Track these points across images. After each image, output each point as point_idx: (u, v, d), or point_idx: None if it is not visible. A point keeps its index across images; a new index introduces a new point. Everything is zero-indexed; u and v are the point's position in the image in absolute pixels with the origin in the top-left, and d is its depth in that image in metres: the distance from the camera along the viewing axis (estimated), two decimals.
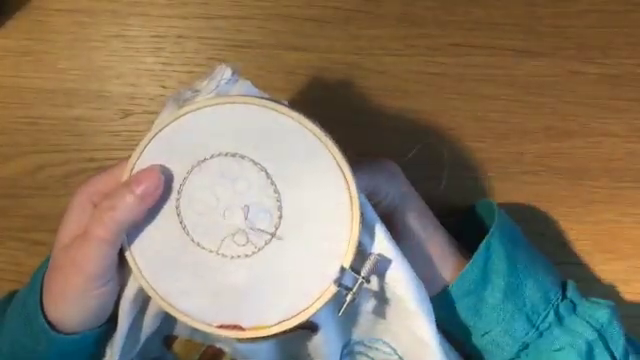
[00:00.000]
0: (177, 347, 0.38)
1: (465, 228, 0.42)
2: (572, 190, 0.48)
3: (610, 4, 0.48)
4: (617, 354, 0.36)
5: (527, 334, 0.36)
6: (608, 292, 0.47)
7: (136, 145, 0.32)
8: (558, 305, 0.37)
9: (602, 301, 0.38)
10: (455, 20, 0.48)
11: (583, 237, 0.47)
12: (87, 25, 0.48)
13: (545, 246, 0.47)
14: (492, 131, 0.48)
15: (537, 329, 0.36)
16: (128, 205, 0.31)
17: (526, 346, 0.37)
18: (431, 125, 0.48)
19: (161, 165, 0.32)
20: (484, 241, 0.37)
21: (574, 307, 0.38)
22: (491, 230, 0.38)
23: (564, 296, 0.38)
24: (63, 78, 0.48)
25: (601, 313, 0.37)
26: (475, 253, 0.37)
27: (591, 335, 0.36)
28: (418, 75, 0.48)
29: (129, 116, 0.48)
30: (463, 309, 0.37)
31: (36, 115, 0.48)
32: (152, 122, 0.47)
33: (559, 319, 0.37)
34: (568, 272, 0.47)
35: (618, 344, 0.37)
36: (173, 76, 0.48)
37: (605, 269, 0.47)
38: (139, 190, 0.31)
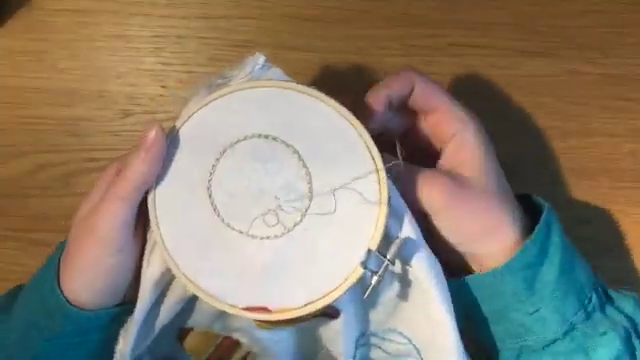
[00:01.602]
0: (192, 339, 0.37)
1: None
2: (572, 190, 0.48)
3: (610, 4, 0.48)
4: None
5: (576, 314, 0.36)
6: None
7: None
8: (598, 289, 0.37)
9: (626, 292, 0.39)
10: (455, 20, 0.48)
11: (583, 237, 0.47)
12: (87, 25, 0.48)
13: None
14: (492, 131, 0.48)
15: (585, 310, 0.36)
16: (135, 160, 0.32)
17: (573, 327, 0.36)
18: None
19: (193, 145, 0.32)
20: (544, 217, 0.37)
21: (607, 295, 0.38)
22: (547, 206, 0.38)
23: (599, 283, 0.38)
24: (63, 78, 0.48)
25: (627, 303, 0.37)
26: (537, 226, 0.36)
27: (625, 323, 0.36)
28: None
29: (129, 116, 0.48)
30: (519, 283, 0.36)
31: (36, 115, 0.48)
32: (152, 122, 0.48)
33: (601, 304, 0.37)
34: None
35: None
36: (173, 76, 0.48)
37: (606, 269, 0.47)
38: (142, 144, 0.32)
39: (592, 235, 0.47)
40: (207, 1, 0.48)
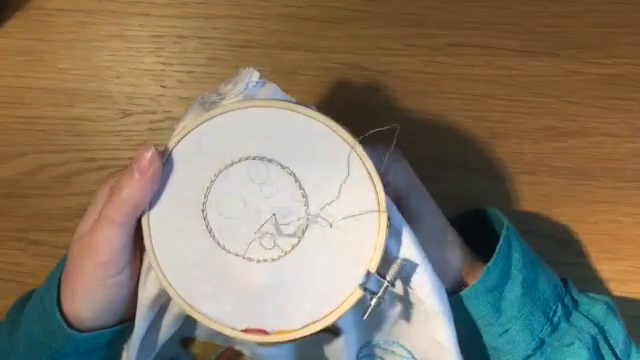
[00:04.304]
0: (195, 347, 0.37)
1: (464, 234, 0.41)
2: (572, 190, 0.48)
3: (610, 4, 0.48)
4: (617, 349, 0.37)
5: (543, 329, 0.36)
6: (608, 292, 0.47)
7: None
8: (564, 299, 0.37)
9: (598, 297, 0.39)
10: (455, 20, 0.48)
11: (583, 237, 0.47)
12: (87, 25, 0.48)
13: (545, 246, 0.47)
14: (492, 131, 0.48)
15: (551, 323, 0.36)
16: (129, 182, 0.31)
17: (542, 342, 0.36)
18: (431, 125, 0.48)
19: (186, 166, 0.32)
20: (503, 235, 0.37)
21: (575, 303, 0.38)
22: (506, 224, 0.38)
23: (566, 290, 0.38)
24: (63, 78, 0.48)
25: (597, 309, 0.37)
26: (498, 247, 0.37)
27: (592, 330, 0.36)
28: (418, 75, 0.48)
29: (129, 116, 0.48)
30: (486, 306, 0.36)
31: (36, 115, 0.48)
32: (152, 122, 0.48)
33: (566, 314, 0.37)
34: (568, 272, 0.47)
35: (617, 339, 0.37)
36: (173, 76, 0.48)
37: (605, 269, 0.47)
38: (137, 166, 0.31)
39: (591, 235, 0.47)
40: (207, 1, 0.48)
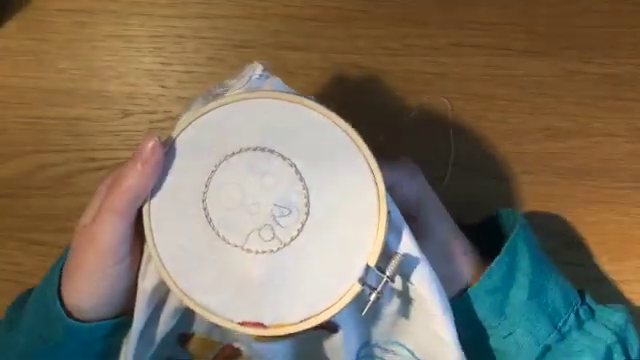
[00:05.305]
0: (193, 345, 0.37)
1: (480, 236, 0.41)
2: (572, 190, 0.48)
3: (610, 4, 0.48)
4: (633, 356, 0.37)
5: (549, 336, 0.36)
6: (609, 292, 0.47)
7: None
8: (578, 309, 0.38)
9: (617, 306, 0.39)
10: (455, 20, 0.48)
11: (583, 237, 0.47)
12: (87, 25, 0.48)
13: (545, 246, 0.47)
14: (492, 131, 0.48)
15: (559, 332, 0.37)
16: (131, 172, 0.31)
17: (548, 349, 0.37)
18: (431, 125, 0.48)
19: (187, 157, 0.32)
20: (510, 239, 0.37)
21: (592, 312, 0.38)
22: (516, 229, 0.38)
23: (583, 301, 0.38)
24: (63, 78, 0.48)
25: (618, 316, 0.38)
26: (502, 250, 0.37)
27: (610, 339, 0.36)
28: (418, 75, 0.48)
29: (129, 116, 0.48)
30: (487, 308, 0.37)
31: (36, 115, 0.48)
32: (152, 122, 0.48)
33: (579, 323, 0.37)
34: (569, 272, 0.47)
35: (633, 347, 0.37)
36: (173, 76, 0.48)
37: (606, 269, 0.47)
38: (139, 157, 0.31)
39: (591, 236, 0.47)
40: (207, 1, 0.48)
